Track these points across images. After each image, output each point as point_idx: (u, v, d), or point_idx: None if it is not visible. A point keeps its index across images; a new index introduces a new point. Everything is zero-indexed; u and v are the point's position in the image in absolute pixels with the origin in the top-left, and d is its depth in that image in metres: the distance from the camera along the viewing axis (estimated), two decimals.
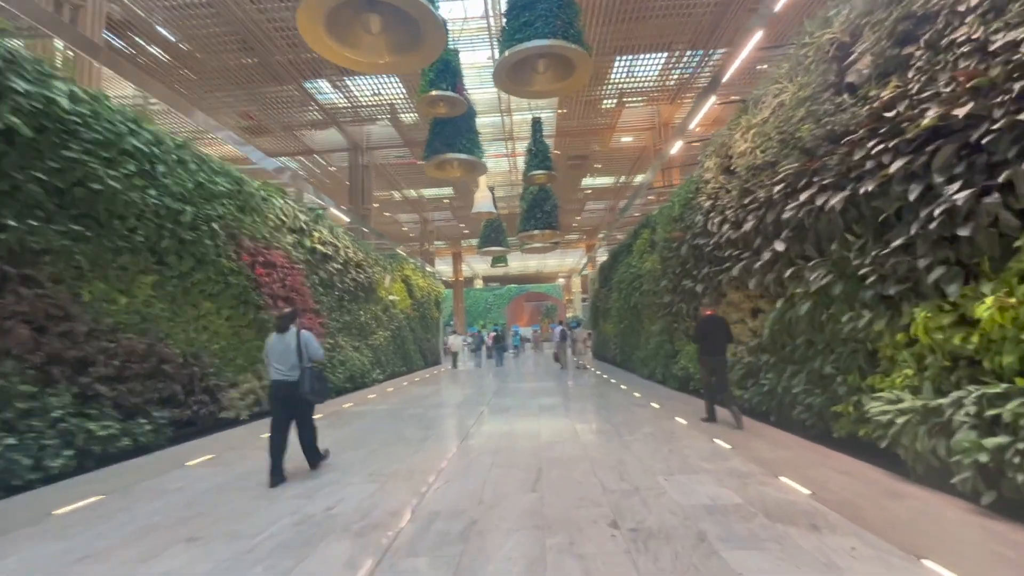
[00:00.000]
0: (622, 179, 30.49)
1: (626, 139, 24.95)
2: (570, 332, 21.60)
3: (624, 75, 19.81)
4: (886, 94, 4.04)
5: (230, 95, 19.19)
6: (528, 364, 21.57)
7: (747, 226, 6.20)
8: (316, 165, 26.05)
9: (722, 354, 6.47)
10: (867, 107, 4.27)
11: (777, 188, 5.39)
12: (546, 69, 9.28)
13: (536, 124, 17.50)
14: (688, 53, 19.40)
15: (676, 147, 9.37)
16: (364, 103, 20.87)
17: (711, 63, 19.84)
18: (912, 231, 3.73)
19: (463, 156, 12.75)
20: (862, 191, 4.17)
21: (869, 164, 4.12)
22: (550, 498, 3.75)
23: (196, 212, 6.75)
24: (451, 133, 12.95)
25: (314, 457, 4.90)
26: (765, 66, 15.70)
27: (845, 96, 4.64)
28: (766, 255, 5.80)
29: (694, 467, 4.44)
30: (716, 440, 5.41)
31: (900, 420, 3.77)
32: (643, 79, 20.18)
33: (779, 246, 5.51)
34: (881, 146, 4.00)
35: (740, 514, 3.29)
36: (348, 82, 19.65)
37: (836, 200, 4.49)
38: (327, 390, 4.92)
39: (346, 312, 11.80)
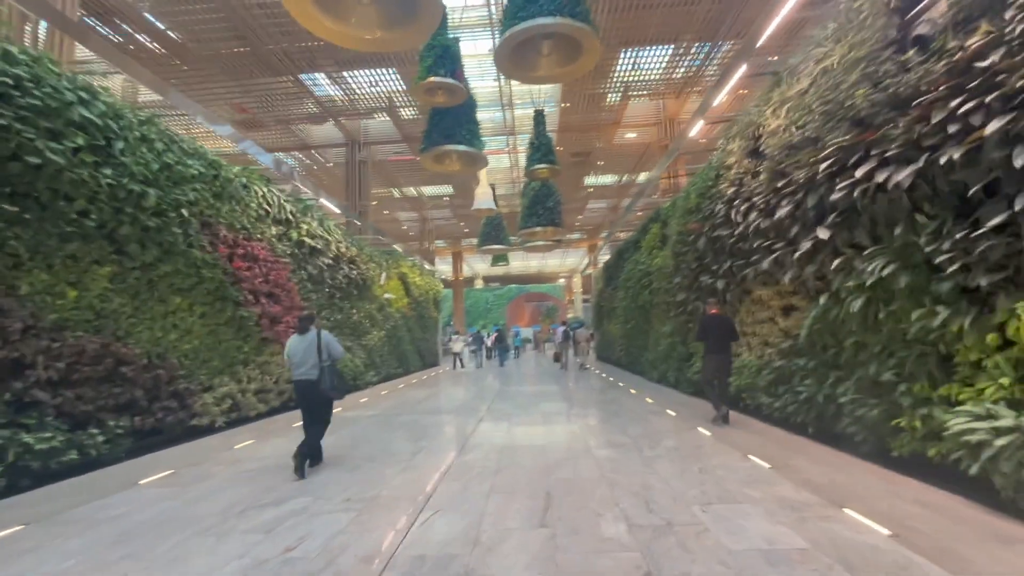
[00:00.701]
0: (625, 177, 29.76)
1: (630, 135, 24.23)
2: (572, 333, 20.92)
3: (629, 69, 19.12)
4: (974, 42, 3.29)
5: (223, 86, 18.47)
6: (529, 365, 20.81)
7: (781, 213, 5.44)
8: (313, 161, 25.32)
9: (727, 352, 6.42)
10: (945, 62, 3.52)
11: (822, 167, 4.63)
12: (551, 52, 8.55)
13: (539, 117, 16.74)
14: (696, 46, 18.73)
15: (696, 128, 8.57)
16: (361, 96, 20.19)
17: (719, 56, 19.16)
18: (1017, 207, 2.98)
19: (463, 148, 12.02)
20: (941, 161, 3.41)
21: (952, 128, 3.36)
22: (564, 537, 2.99)
23: (162, 196, 5.99)
24: (450, 124, 12.21)
25: (311, 452, 4.87)
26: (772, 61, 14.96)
27: (911, 52, 3.89)
28: (805, 245, 5.05)
29: (735, 494, 3.68)
30: (752, 457, 4.65)
31: (999, 442, 3.02)
32: (649, 73, 19.50)
33: (823, 233, 4.76)
34: (970, 105, 3.24)
35: (811, 565, 2.53)
36: (346, 75, 18.99)
37: (903, 176, 3.73)
38: (346, 387, 5.14)
39: (337, 310, 11.05)
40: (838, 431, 4.83)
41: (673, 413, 7.21)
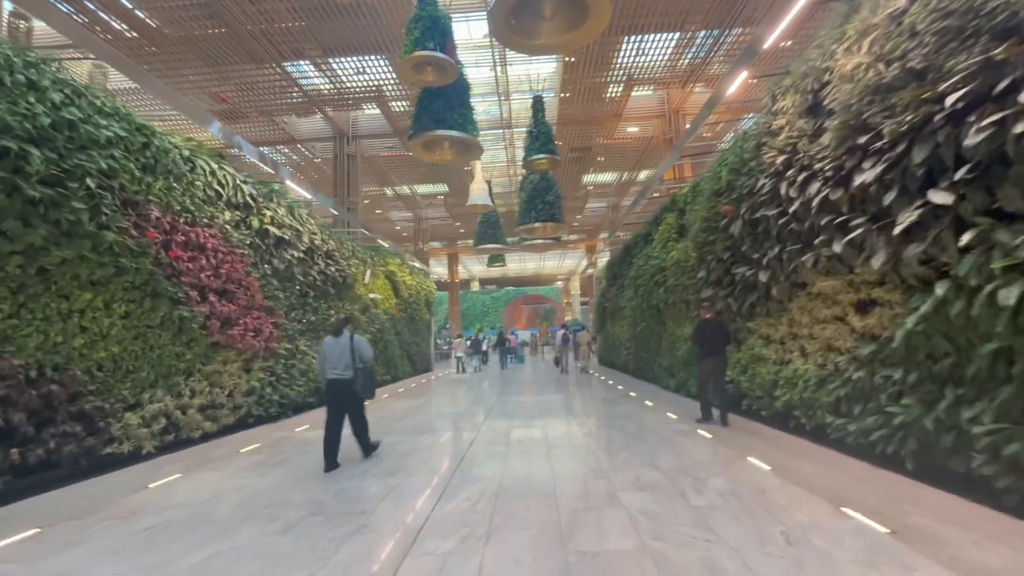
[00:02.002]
0: (625, 175, 28.46)
1: (632, 129, 22.93)
2: (572, 336, 19.65)
3: (632, 58, 17.88)
4: None
5: (198, 72, 17.07)
6: (528, 369, 19.37)
7: (863, 178, 4.07)
8: (300, 157, 23.91)
9: (722, 355, 6.45)
10: None
11: (948, 102, 3.26)
12: (554, 15, 7.20)
13: (537, 104, 15.38)
14: (702, 33, 17.52)
15: (738, 81, 7.18)
16: (350, 86, 18.85)
17: (726, 45, 17.94)
18: None
19: (455, 134, 10.60)
20: None
21: None
22: None
23: (57, 161, 4.58)
24: (441, 108, 10.79)
25: (366, 448, 5.34)
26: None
27: None
28: (906, 216, 3.67)
29: None
30: (851, 512, 3.24)
31: None
32: (652, 64, 18.26)
33: (939, 198, 3.38)
34: None
35: None
36: (332, 63, 17.68)
37: None
38: (375, 387, 5.34)
39: (311, 311, 9.62)
40: (960, 471, 3.45)
41: (707, 435, 5.80)
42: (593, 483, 4.12)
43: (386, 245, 15.54)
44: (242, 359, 7.48)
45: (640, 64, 18.19)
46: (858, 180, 4.16)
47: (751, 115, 22.43)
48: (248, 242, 7.69)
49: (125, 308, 5.45)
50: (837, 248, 4.50)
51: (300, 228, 9.21)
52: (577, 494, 3.85)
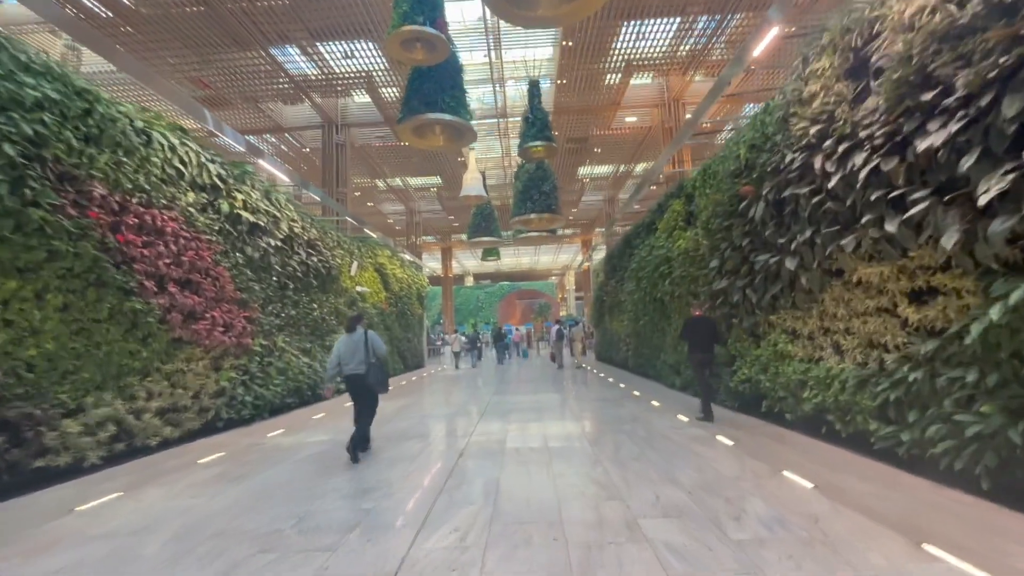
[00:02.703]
0: (622, 168, 27.76)
1: (630, 119, 22.22)
2: (567, 331, 19.07)
3: (631, 43, 17.17)
4: None
5: (177, 55, 16.18)
6: (522, 366, 18.67)
7: (930, 142, 3.38)
8: (289, 147, 23.04)
9: (710, 351, 6.55)
10: None
11: None
12: None
13: (534, 88, 14.63)
14: (703, 19, 16.87)
15: (768, 38, 6.42)
16: (338, 72, 18.01)
17: (728, 30, 17.28)
18: None
19: (447, 118, 9.85)
20: None
21: None
22: None
23: None
24: (432, 89, 10.04)
25: (362, 441, 5.21)
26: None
27: None
28: (992, 185, 2.99)
29: None
30: (931, 548, 2.57)
31: None
32: (652, 51, 17.56)
33: None
34: None
35: None
36: (320, 48, 16.85)
37: None
38: (388, 381, 5.37)
39: (291, 304, 8.86)
40: None
41: (728, 441, 5.13)
42: (606, 506, 3.42)
43: (374, 236, 14.73)
44: (210, 357, 6.73)
45: (639, 50, 17.51)
46: (921, 145, 3.47)
47: (751, 105, 21.86)
48: (217, 228, 6.93)
49: (62, 299, 4.69)
50: (890, 228, 3.82)
51: (278, 214, 8.44)
52: (588, 521, 3.15)
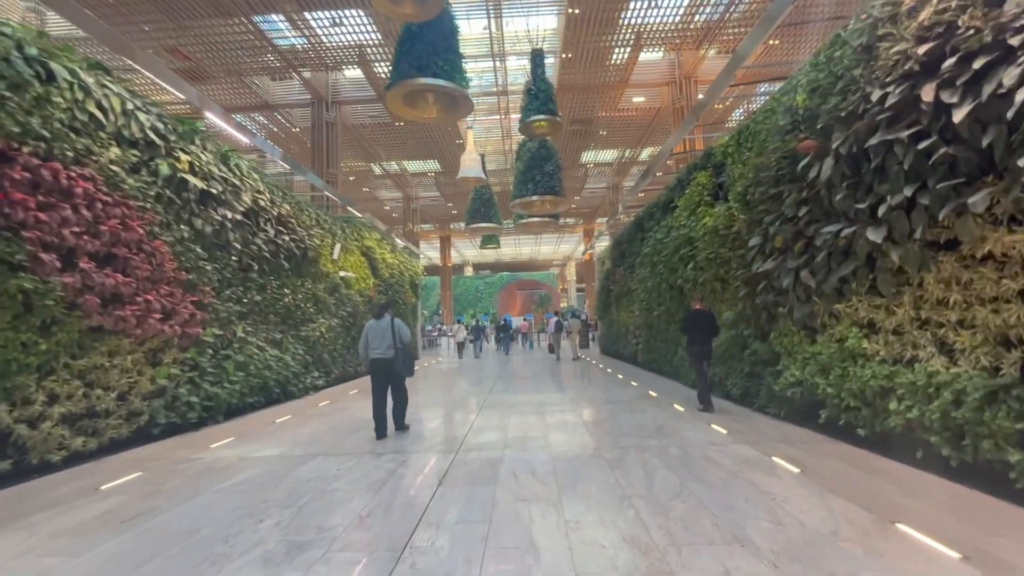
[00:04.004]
0: (627, 153, 26.37)
1: (638, 99, 20.81)
2: (567, 323, 18.02)
3: (641, 15, 15.79)
4: None
5: (153, 23, 14.80)
6: (522, 359, 17.44)
7: None
8: (280, 128, 21.66)
9: (708, 344, 6.46)
10: None
11: None
12: None
13: (537, 58, 13.25)
14: None
15: None
16: (328, 45, 16.63)
17: (745, 2, 15.89)
18: None
19: (441, 83, 8.50)
20: None
21: None
22: None
23: None
24: (424, 52, 8.67)
25: (400, 424, 5.67)
26: None
27: None
28: None
29: None
30: None
31: None
32: (664, 23, 16.19)
33: None
34: None
35: None
36: (308, 16, 15.47)
37: None
38: (413, 365, 5.63)
39: (255, 288, 7.58)
40: None
41: (792, 467, 3.87)
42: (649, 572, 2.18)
43: (360, 216, 13.41)
44: (144, 350, 5.47)
45: (650, 22, 16.13)
46: None
47: (766, 83, 20.44)
48: (153, 194, 5.63)
49: None
50: None
51: (238, 183, 7.14)
52: None
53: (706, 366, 6.45)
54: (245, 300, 7.28)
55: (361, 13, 14.80)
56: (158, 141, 5.70)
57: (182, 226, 6.05)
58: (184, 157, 6.05)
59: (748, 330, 6.23)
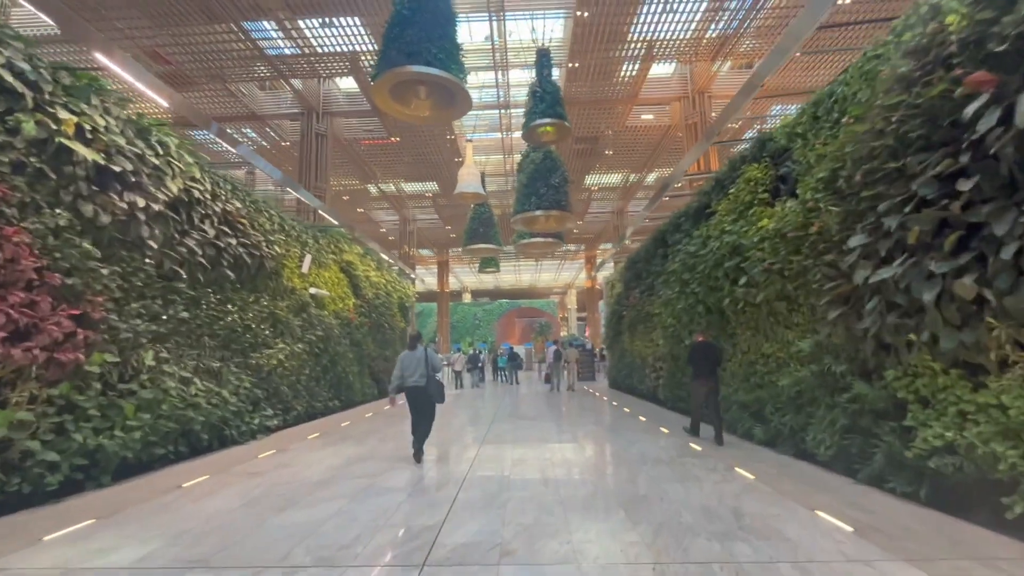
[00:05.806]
0: (633, 177, 25.01)
1: (647, 116, 19.51)
2: (564, 352, 16.33)
3: (652, 25, 14.60)
4: None
5: (132, 24, 13.50)
6: (523, 394, 15.45)
7: None
8: (267, 139, 20.26)
9: (714, 376, 6.31)
10: None
11: None
12: None
13: (543, 58, 11.84)
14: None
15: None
16: (320, 53, 15.38)
17: (763, 13, 14.72)
18: None
19: (434, 71, 6.96)
20: None
21: None
22: None
23: None
24: (415, 37, 7.15)
25: (418, 450, 5.59)
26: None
27: None
28: None
29: None
30: None
31: None
32: (676, 34, 15.00)
33: None
34: None
35: None
36: (301, 24, 14.25)
37: None
38: (443, 393, 5.77)
39: (182, 303, 5.77)
40: None
41: None
42: None
43: (337, 224, 11.70)
44: None
45: (662, 32, 14.93)
46: None
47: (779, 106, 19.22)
48: (7, 160, 3.92)
49: None
50: None
51: (158, 162, 5.42)
52: None
53: (716, 400, 6.26)
54: (165, 317, 5.45)
55: (356, 21, 13.58)
56: (21, 89, 4.01)
57: (60, 211, 4.30)
58: (68, 117, 4.35)
59: (841, 366, 4.40)
